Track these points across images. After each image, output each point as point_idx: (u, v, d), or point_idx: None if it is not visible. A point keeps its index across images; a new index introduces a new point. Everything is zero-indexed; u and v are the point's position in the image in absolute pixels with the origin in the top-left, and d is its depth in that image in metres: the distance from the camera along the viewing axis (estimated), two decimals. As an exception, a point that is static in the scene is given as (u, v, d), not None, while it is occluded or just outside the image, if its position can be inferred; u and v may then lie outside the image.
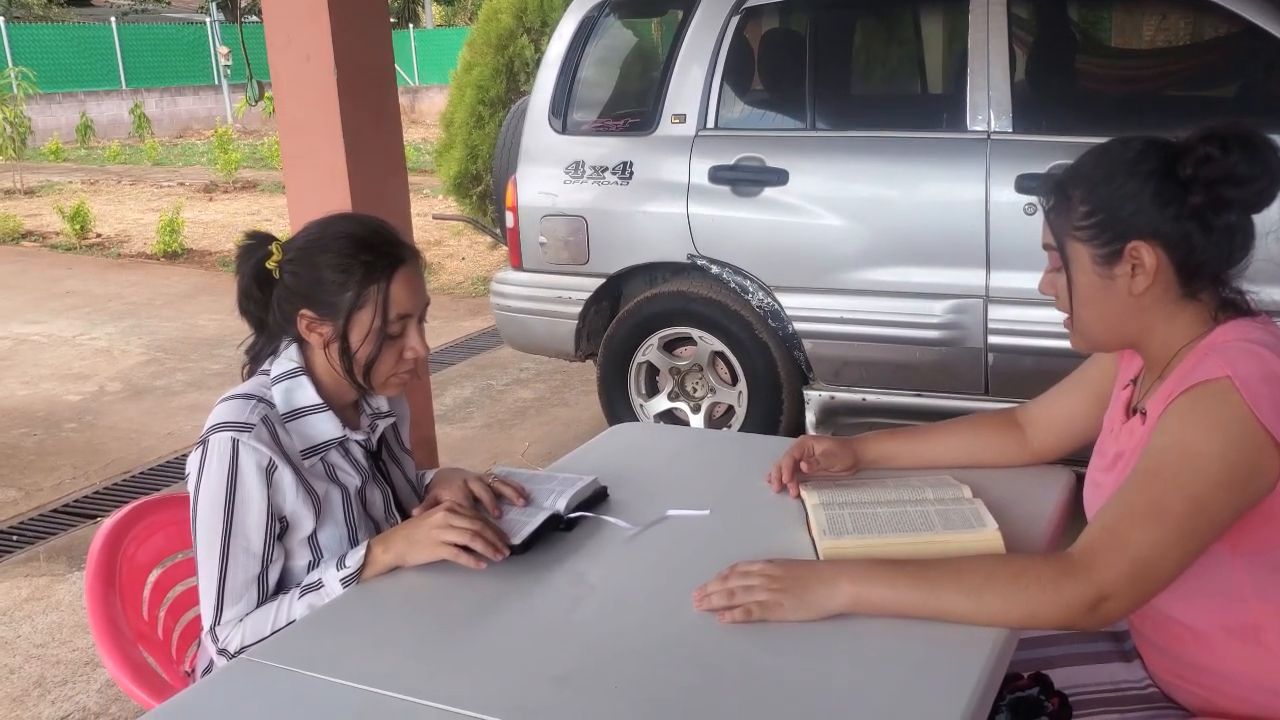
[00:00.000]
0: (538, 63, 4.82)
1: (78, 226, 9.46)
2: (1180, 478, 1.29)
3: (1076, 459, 1.75)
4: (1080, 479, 1.65)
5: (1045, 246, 1.48)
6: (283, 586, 1.61)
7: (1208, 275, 1.40)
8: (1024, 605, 1.30)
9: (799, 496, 1.71)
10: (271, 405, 1.62)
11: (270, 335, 1.71)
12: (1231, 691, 1.41)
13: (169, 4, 28.60)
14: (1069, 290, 1.45)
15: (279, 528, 1.60)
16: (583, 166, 3.99)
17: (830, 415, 3.78)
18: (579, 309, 4.08)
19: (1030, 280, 3.26)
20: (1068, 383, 1.74)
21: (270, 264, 1.65)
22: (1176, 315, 1.41)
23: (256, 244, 1.68)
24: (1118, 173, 1.39)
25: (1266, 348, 1.32)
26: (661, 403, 4.09)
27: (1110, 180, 1.39)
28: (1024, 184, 3.34)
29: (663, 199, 3.86)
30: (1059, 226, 1.44)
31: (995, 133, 3.45)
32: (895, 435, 1.85)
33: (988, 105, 3.46)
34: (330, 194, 2.98)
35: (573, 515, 1.69)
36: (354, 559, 1.56)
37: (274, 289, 1.66)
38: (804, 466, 1.77)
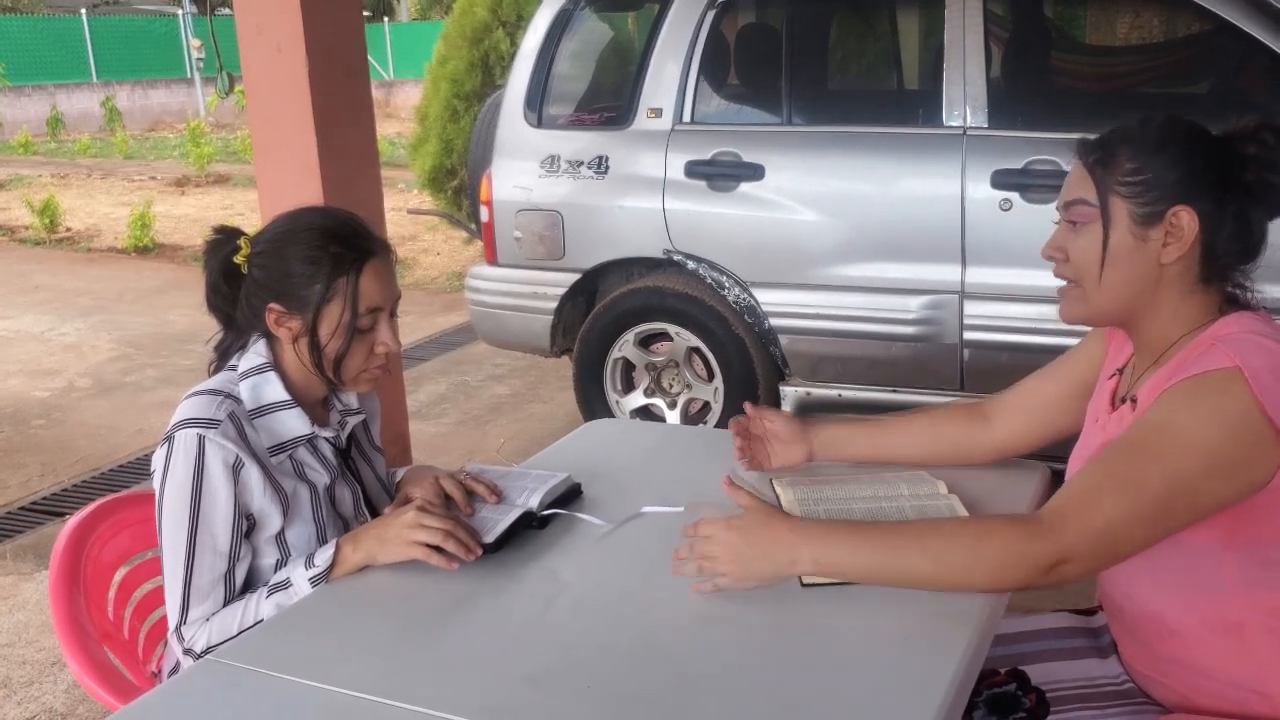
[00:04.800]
0: (513, 56, 4.78)
1: (47, 220, 9.34)
2: (1165, 455, 1.28)
3: (1054, 454, 1.73)
4: (1056, 475, 1.64)
5: (1068, 203, 1.45)
6: (250, 585, 1.59)
7: (1224, 265, 1.41)
8: (987, 566, 1.31)
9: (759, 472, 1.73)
10: (238, 401, 1.59)
11: (239, 331, 1.68)
12: (1208, 687, 1.41)
13: (140, -4, 28.30)
14: (1103, 246, 1.42)
15: (246, 526, 1.57)
16: (558, 161, 3.97)
17: (806, 411, 3.78)
18: (554, 304, 4.06)
19: (1006, 276, 3.34)
20: (1050, 368, 1.71)
21: (238, 258, 1.62)
22: (1187, 298, 1.42)
23: (224, 239, 1.65)
24: (1170, 140, 1.40)
25: (1275, 341, 1.32)
26: (637, 399, 4.08)
27: (1162, 146, 1.40)
28: (999, 179, 3.34)
29: (639, 194, 3.85)
30: (1103, 181, 1.42)
31: (971, 128, 3.45)
32: (851, 425, 1.82)
33: (964, 101, 3.46)
34: (302, 187, 2.95)
35: (546, 513, 1.67)
36: (323, 558, 1.53)
37: (242, 284, 1.63)
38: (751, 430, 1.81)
